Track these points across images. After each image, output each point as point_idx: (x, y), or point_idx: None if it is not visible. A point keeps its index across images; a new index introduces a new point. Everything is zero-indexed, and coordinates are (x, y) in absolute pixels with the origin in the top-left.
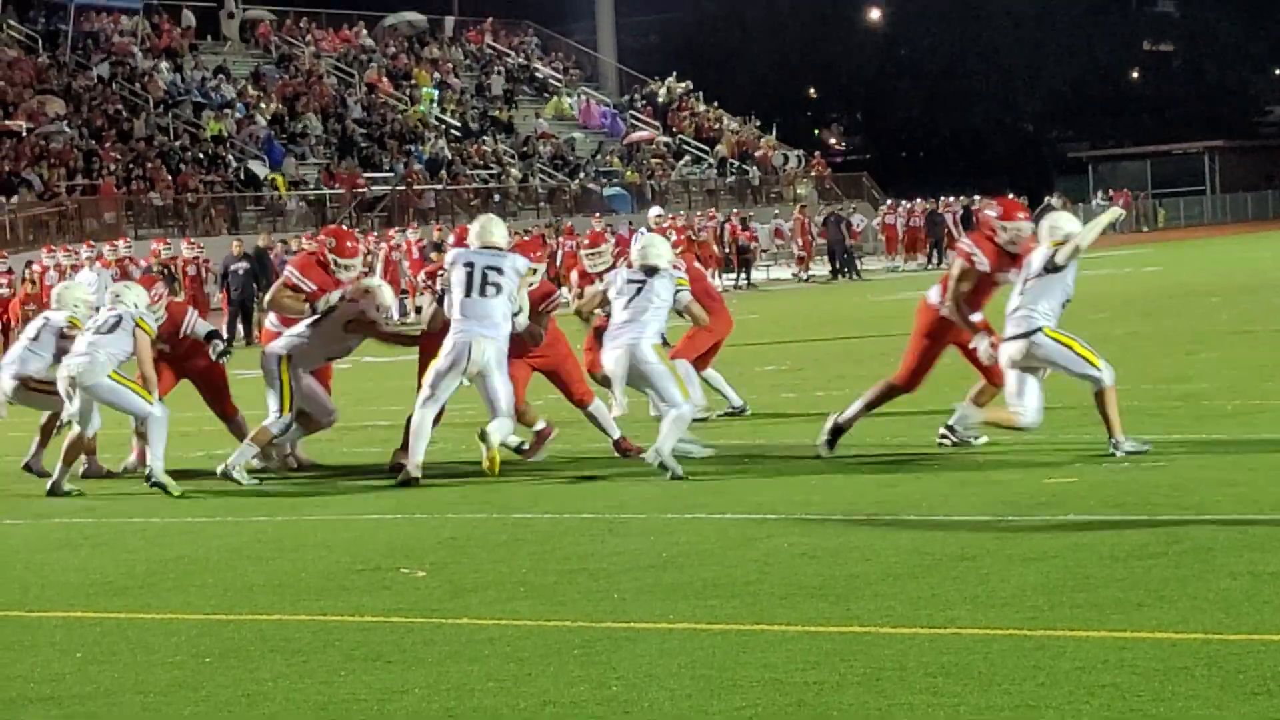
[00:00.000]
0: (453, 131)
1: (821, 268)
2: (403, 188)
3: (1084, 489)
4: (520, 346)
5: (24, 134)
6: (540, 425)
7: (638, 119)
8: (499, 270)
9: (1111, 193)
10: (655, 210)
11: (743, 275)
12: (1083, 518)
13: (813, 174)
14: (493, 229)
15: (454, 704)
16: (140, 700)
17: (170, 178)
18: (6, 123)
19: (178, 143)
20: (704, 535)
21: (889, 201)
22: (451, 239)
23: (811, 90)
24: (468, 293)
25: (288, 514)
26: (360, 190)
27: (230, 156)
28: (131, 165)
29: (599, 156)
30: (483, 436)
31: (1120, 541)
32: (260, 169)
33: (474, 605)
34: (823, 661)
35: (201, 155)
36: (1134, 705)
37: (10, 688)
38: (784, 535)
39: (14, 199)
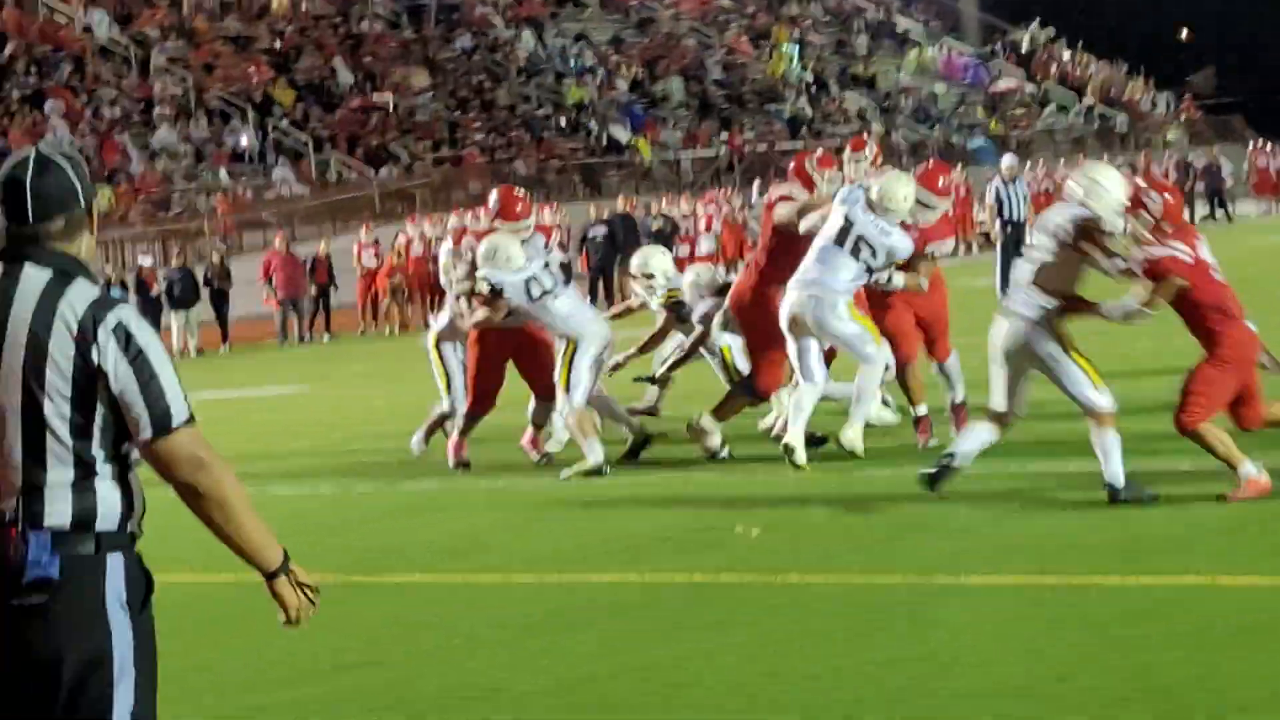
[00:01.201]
0: (812, 89)
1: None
2: (763, 148)
3: None
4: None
5: (391, 108)
6: (923, 410)
7: (1000, 68)
8: (872, 249)
9: None
10: (1008, 159)
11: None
12: None
13: (1183, 118)
14: (893, 192)
15: (776, 663)
16: (459, 663)
17: (534, 146)
18: (373, 97)
19: (540, 111)
20: (1043, 490)
21: (1257, 143)
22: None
23: (1182, 31)
24: (836, 241)
25: (627, 474)
26: (741, 150)
27: (592, 122)
28: (495, 135)
29: (962, 109)
30: (839, 442)
31: None
32: (622, 134)
33: (804, 563)
34: (1153, 614)
35: (563, 122)
36: None
37: (335, 656)
38: None
39: (381, 172)
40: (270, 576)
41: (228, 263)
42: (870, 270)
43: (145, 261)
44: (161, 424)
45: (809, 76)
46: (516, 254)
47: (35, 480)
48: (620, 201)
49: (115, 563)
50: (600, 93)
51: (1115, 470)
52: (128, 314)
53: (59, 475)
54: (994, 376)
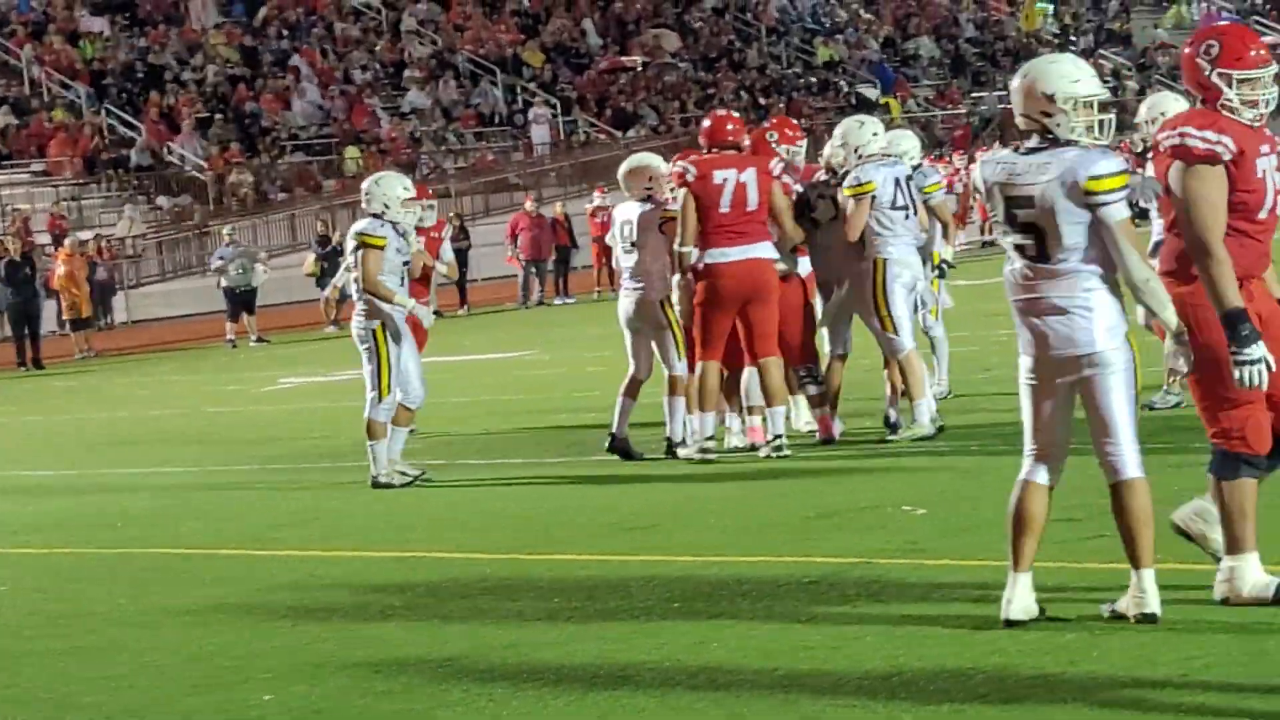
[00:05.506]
0: (1069, 47)
1: None
2: (1009, 106)
3: None
4: None
5: (639, 69)
6: None
7: (1263, 24)
8: None
9: None
10: None
11: None
12: None
13: None
14: None
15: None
16: (556, 650)
17: (783, 106)
18: (622, 59)
19: (790, 70)
20: None
21: None
22: None
23: None
24: None
25: (805, 457)
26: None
27: (842, 82)
28: (744, 95)
29: None
30: None
31: None
32: (871, 92)
33: (965, 546)
34: None
35: (813, 81)
36: None
37: (499, 635)
38: None
39: (629, 133)
40: None
41: (466, 224)
42: None
43: None
44: None
45: (1064, 33)
46: None
47: None
48: None
49: None
50: (851, 51)
51: None
52: None
53: None
54: None
